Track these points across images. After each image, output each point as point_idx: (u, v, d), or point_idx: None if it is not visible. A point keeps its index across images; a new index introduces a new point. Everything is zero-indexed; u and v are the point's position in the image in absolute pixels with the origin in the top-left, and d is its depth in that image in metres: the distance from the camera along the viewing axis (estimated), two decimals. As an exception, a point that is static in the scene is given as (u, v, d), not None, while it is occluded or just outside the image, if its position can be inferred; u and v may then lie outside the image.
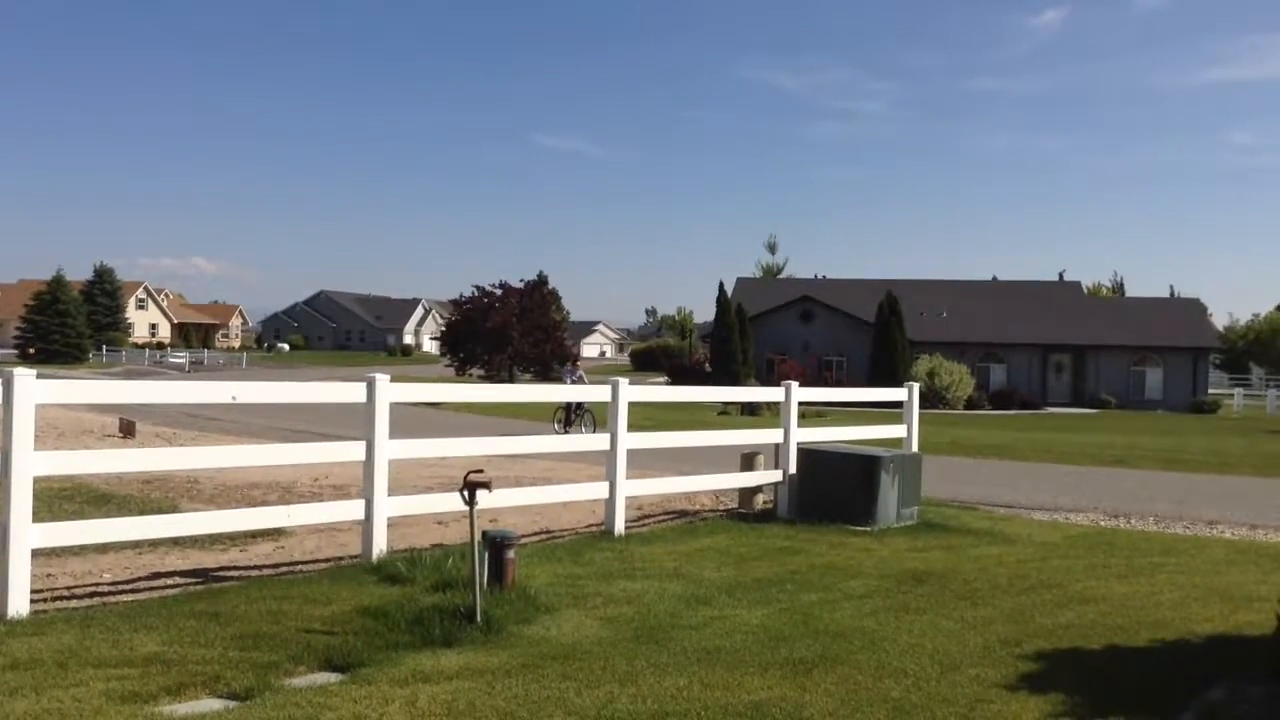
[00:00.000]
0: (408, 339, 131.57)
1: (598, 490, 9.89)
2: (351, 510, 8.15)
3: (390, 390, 8.12)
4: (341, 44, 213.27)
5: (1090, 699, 5.18)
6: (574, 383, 24.26)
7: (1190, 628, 6.81)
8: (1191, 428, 36.95)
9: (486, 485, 6.62)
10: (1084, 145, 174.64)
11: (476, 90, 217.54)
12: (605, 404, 9.99)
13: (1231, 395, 56.10)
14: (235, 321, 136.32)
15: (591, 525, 10.35)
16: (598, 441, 9.94)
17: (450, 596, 6.65)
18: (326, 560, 8.45)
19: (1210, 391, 53.63)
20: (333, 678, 5.35)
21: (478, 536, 6.57)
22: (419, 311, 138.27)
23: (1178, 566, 9.12)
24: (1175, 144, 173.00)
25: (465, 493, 6.58)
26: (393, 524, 8.49)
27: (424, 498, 8.97)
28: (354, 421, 8.11)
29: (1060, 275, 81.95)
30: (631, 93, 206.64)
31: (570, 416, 23.97)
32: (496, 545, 6.90)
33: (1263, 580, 8.19)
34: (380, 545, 8.03)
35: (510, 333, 56.76)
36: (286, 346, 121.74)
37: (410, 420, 22.13)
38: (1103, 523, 12.37)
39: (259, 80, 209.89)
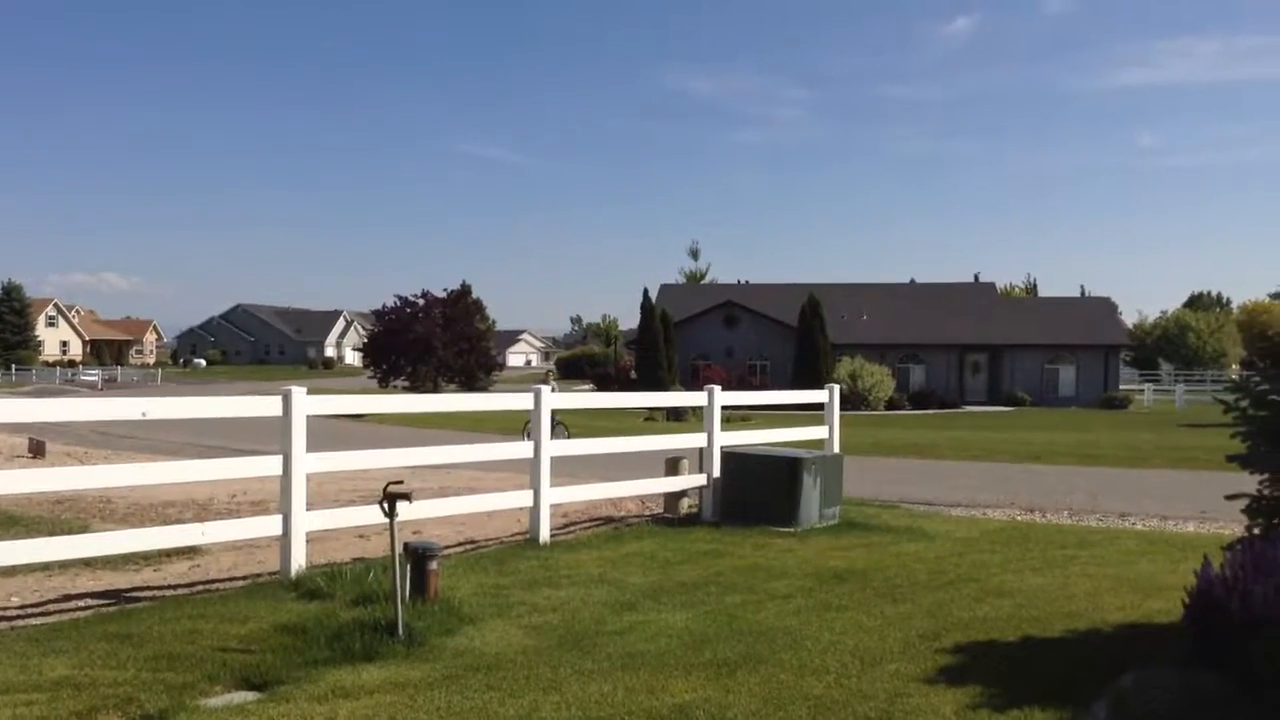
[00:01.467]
0: (329, 352, 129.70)
1: (522, 499, 9.85)
2: (268, 526, 8.01)
3: (307, 403, 7.99)
4: (254, 51, 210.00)
5: (1006, 690, 5.29)
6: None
7: (1102, 617, 7.00)
8: (1104, 423, 37.96)
9: (407, 496, 6.55)
10: (996, 149, 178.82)
11: (393, 97, 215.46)
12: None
13: (1142, 391, 57.71)
14: (150, 337, 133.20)
15: (517, 534, 10.30)
16: (522, 450, 9.90)
17: (371, 610, 6.56)
18: (244, 577, 8.29)
19: (1121, 388, 55.14)
20: (250, 696, 5.26)
21: (399, 549, 6.50)
22: (340, 323, 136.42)
23: (1091, 558, 9.36)
24: (1084, 147, 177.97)
25: (385, 505, 6.50)
26: (312, 539, 8.35)
27: (344, 511, 8.85)
28: (274, 436, 7.97)
29: (975, 277, 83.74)
30: (553, 100, 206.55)
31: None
32: (418, 557, 6.84)
33: (1172, 569, 8.44)
34: (299, 561, 7.90)
35: (434, 343, 56.27)
36: (203, 362, 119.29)
37: (332, 434, 21.80)
38: (1019, 517, 12.65)
39: (167, 91, 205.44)
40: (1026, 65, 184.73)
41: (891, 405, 48.97)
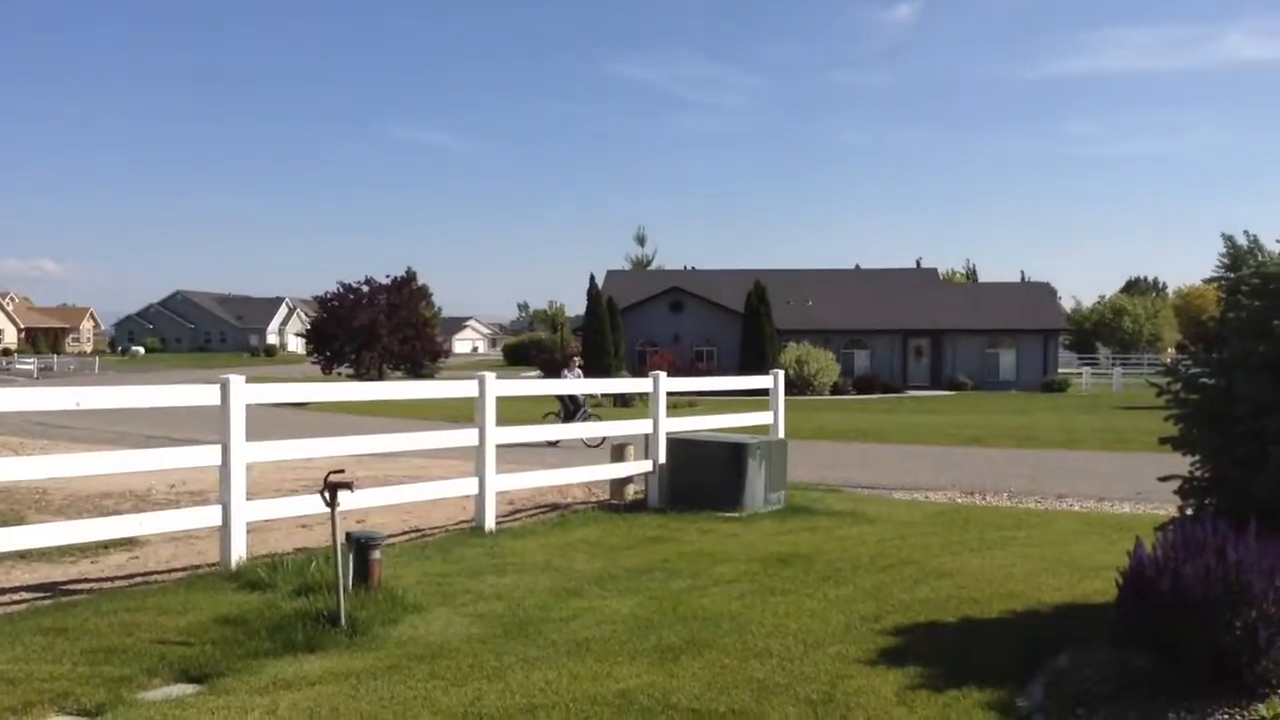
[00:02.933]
0: (271, 339, 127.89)
1: (467, 486, 9.81)
2: (208, 516, 7.90)
3: (246, 391, 7.88)
4: (189, 34, 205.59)
5: (945, 670, 5.37)
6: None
7: (1040, 598, 7.12)
8: (1043, 406, 38.61)
9: (348, 485, 6.49)
10: (937, 136, 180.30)
11: (334, 82, 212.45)
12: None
13: (1080, 374, 58.75)
14: (87, 325, 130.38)
15: (462, 522, 10.26)
16: (467, 437, 9.85)
17: (313, 601, 6.50)
18: (183, 569, 8.16)
19: (1060, 371, 56.01)
20: (189, 689, 5.19)
21: (341, 538, 6.44)
22: (283, 310, 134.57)
23: (1029, 539, 9.53)
24: (1021, 135, 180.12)
25: (326, 494, 6.44)
26: (253, 529, 8.25)
27: (285, 501, 8.75)
28: (215, 425, 7.86)
29: (917, 262, 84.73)
30: (497, 85, 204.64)
31: (569, 417, 21.57)
32: (361, 546, 6.78)
33: (1107, 550, 8.60)
34: (239, 551, 7.80)
35: (379, 330, 55.67)
36: (142, 350, 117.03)
37: (275, 422, 21.51)
38: (960, 500, 12.84)
39: (101, 74, 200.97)
40: (963, 53, 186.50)
41: (836, 390, 49.37)
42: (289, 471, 13.84)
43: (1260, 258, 6.29)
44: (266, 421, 21.87)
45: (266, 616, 6.28)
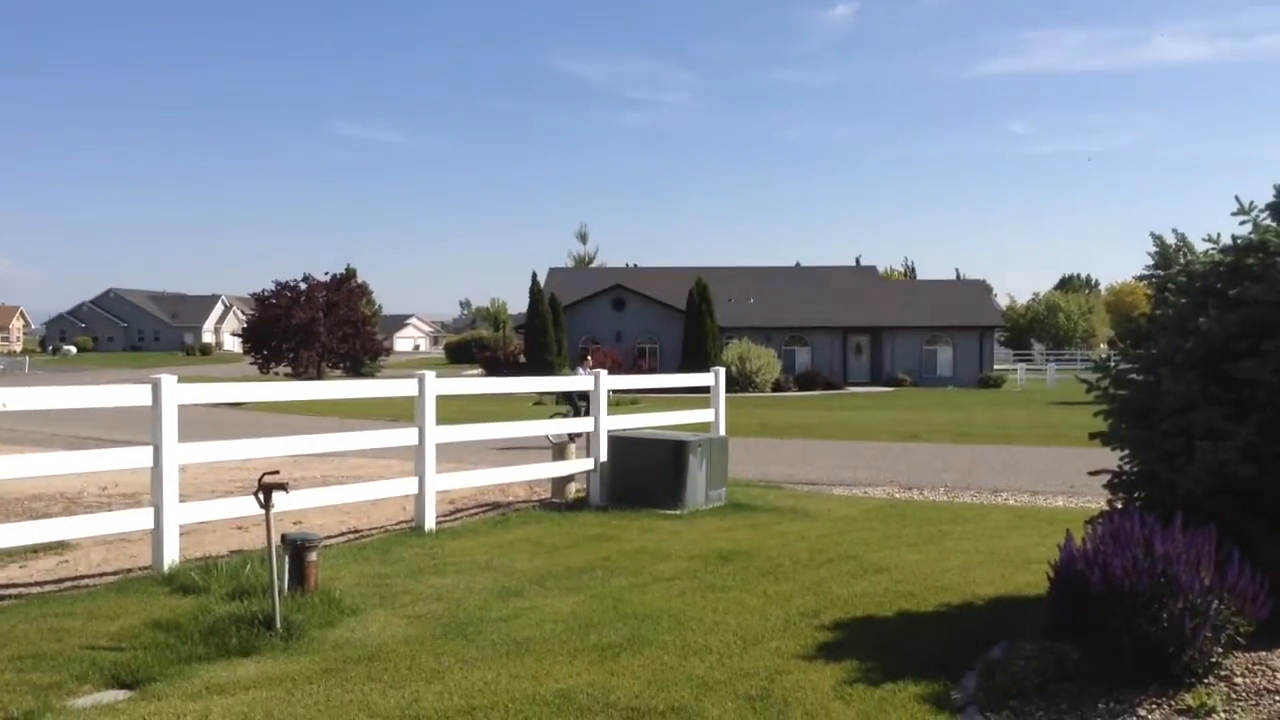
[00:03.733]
0: (207, 337, 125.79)
1: (407, 486, 9.73)
2: (139, 519, 7.75)
3: (178, 391, 7.74)
4: (125, 33, 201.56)
5: (882, 664, 5.43)
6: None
7: (974, 591, 7.23)
8: (979, 402, 39.20)
9: (283, 486, 6.41)
10: (876, 135, 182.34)
11: (275, 77, 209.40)
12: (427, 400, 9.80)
13: (1015, 370, 59.73)
14: (16, 324, 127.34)
15: (402, 522, 10.17)
16: (406, 436, 9.76)
17: (248, 604, 6.40)
18: (115, 573, 8.00)
19: (996, 367, 56.93)
20: (120, 695, 5.10)
21: (276, 540, 6.35)
22: (218, 308, 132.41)
23: (964, 533, 9.67)
24: (959, 133, 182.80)
25: (260, 495, 6.34)
26: (187, 532, 8.11)
27: (219, 503, 8.61)
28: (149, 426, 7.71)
29: (857, 260, 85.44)
30: (438, 81, 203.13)
31: (579, 415, 20.99)
32: (297, 548, 6.70)
33: (1040, 543, 8.76)
34: (172, 555, 7.66)
35: (317, 328, 55.02)
36: (74, 349, 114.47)
37: (211, 422, 21.15)
38: (897, 495, 12.99)
39: (30, 68, 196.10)
40: (903, 52, 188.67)
41: (778, 387, 49.69)
42: (225, 473, 13.62)
43: (1188, 257, 6.42)
44: (202, 422, 21.54)
45: (200, 620, 6.18)
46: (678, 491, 11.01)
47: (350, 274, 61.04)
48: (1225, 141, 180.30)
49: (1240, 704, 4.58)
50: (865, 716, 4.73)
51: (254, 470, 13.03)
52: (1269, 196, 6.36)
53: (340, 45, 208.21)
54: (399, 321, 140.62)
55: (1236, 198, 6.18)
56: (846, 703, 4.90)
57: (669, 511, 10.80)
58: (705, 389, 13.39)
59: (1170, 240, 6.52)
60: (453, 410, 23.24)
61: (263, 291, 57.39)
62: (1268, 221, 6.17)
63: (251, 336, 57.45)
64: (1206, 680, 4.77)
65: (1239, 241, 6.07)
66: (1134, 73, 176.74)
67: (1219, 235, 6.36)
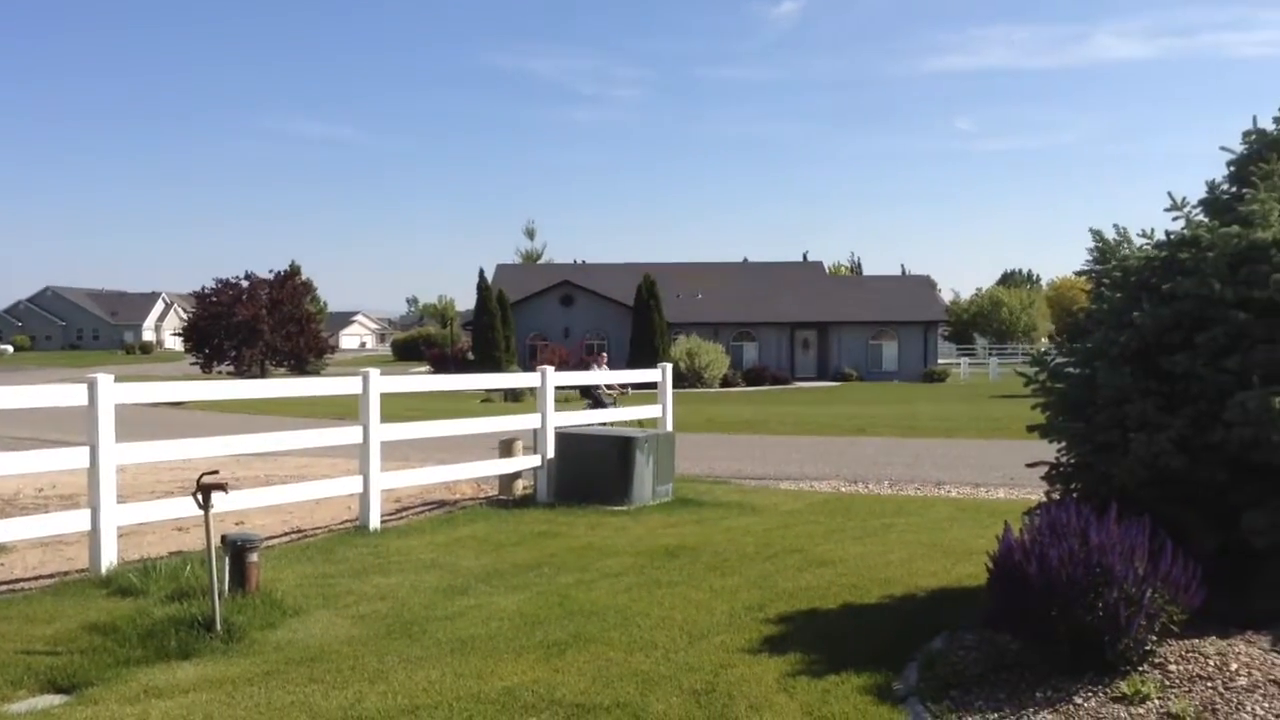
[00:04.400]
0: (148, 336, 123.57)
1: (351, 485, 9.64)
2: (76, 521, 7.61)
3: (115, 391, 7.60)
4: (70, 19, 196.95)
5: (826, 656, 5.48)
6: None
7: (917, 582, 7.32)
8: (923, 396, 39.66)
9: (222, 487, 6.32)
10: (823, 131, 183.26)
11: (218, 73, 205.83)
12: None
13: (959, 364, 60.58)
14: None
15: (346, 521, 10.08)
16: (350, 434, 9.67)
17: (187, 606, 6.31)
18: (51, 576, 7.84)
19: (940, 362, 57.68)
20: (56, 700, 5.01)
21: (216, 541, 6.27)
22: (159, 306, 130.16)
23: (907, 526, 9.79)
24: (905, 130, 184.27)
25: (199, 496, 6.25)
26: (125, 533, 7.97)
27: (158, 504, 8.47)
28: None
29: (804, 256, 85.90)
30: (389, 78, 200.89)
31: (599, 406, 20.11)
32: (238, 549, 6.61)
33: (981, 534, 8.88)
34: (110, 557, 7.53)
35: (260, 326, 54.37)
36: (9, 348, 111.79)
37: (153, 422, 20.83)
38: (843, 489, 13.11)
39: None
40: (849, 49, 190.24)
41: (726, 383, 49.89)
42: (165, 473, 13.40)
43: (1126, 251, 6.55)
44: (143, 422, 21.19)
45: (138, 623, 6.08)
46: (625, 487, 11.03)
47: (294, 271, 60.36)
48: (1164, 138, 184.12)
49: (1174, 691, 4.68)
50: (808, 709, 4.77)
51: (195, 470, 12.79)
52: (1203, 192, 6.51)
53: (284, 41, 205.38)
54: (345, 319, 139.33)
55: (1169, 194, 6.31)
56: (790, 695, 4.94)
57: (616, 507, 10.81)
58: (653, 385, 13.42)
59: (1110, 235, 6.64)
60: (400, 408, 23.06)
61: (204, 289, 56.62)
62: (1200, 217, 6.31)
63: (193, 335, 56.66)
64: (1141, 668, 4.86)
65: (1172, 237, 6.20)
66: (1077, 70, 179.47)
67: (1153, 231, 6.49)
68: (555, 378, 11.92)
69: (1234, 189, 6.34)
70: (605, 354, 26.55)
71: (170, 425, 19.91)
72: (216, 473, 6.40)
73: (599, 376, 16.91)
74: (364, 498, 9.61)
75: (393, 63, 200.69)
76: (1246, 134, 6.42)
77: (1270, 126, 6.38)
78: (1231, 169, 6.44)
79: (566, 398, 31.67)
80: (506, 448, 11.96)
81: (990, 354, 70.60)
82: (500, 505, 11.27)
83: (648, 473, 11.22)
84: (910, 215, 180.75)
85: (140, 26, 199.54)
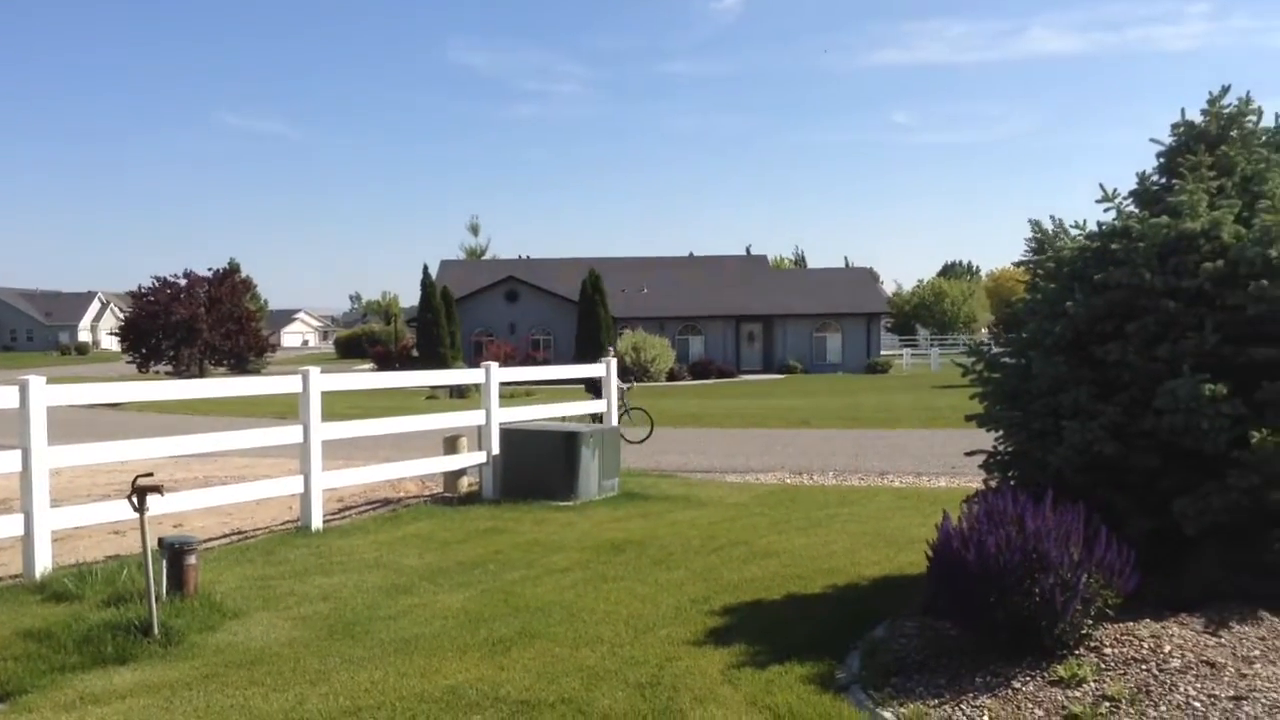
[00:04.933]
0: (84, 336, 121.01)
1: (292, 485, 9.52)
2: (8, 526, 7.43)
3: (48, 392, 7.45)
4: (4, 13, 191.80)
5: (770, 646, 5.52)
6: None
7: (860, 571, 7.40)
8: (867, 387, 40.03)
9: (158, 489, 6.21)
10: (764, 126, 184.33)
11: (156, 66, 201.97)
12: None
13: (901, 355, 61.19)
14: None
15: (288, 522, 9.95)
16: (290, 434, 9.55)
17: (124, 611, 6.20)
18: (-17, 583, 7.66)
19: (882, 353, 58.17)
20: (-12, 710, 4.89)
21: (152, 543, 6.16)
22: (95, 306, 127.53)
23: (851, 516, 9.88)
24: (845, 124, 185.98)
25: (134, 499, 6.14)
26: (60, 537, 7.81)
27: (94, 507, 8.30)
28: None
29: (748, 249, 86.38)
30: (327, 73, 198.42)
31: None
32: (175, 551, 6.50)
33: (923, 523, 8.99)
34: (44, 562, 7.37)
35: (199, 325, 53.51)
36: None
37: (89, 424, 20.42)
38: (788, 480, 13.20)
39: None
40: (791, 43, 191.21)
41: (672, 376, 50.00)
42: (102, 475, 13.15)
43: (1062, 242, 6.65)
44: (79, 424, 20.77)
45: (74, 629, 5.96)
46: (571, 483, 11.01)
47: (233, 268, 59.53)
48: (1098, 130, 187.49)
49: (1109, 673, 4.77)
50: (753, 699, 4.80)
51: (133, 472, 12.54)
52: (1134, 183, 6.64)
53: (224, 33, 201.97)
54: (286, 316, 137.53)
55: (1101, 185, 6.43)
56: (735, 686, 4.97)
57: (562, 503, 10.79)
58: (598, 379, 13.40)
59: (1048, 226, 6.74)
60: (344, 407, 22.84)
61: (141, 288, 55.62)
62: (1131, 208, 6.44)
63: (129, 334, 55.63)
64: (1077, 652, 4.95)
65: (1104, 228, 6.32)
66: (1011, 64, 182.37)
67: (1085, 222, 6.61)
68: (500, 374, 11.87)
69: (1163, 180, 6.47)
70: (613, 349, 26.29)
71: (107, 427, 19.53)
72: (151, 475, 6.29)
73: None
74: (305, 497, 9.49)
75: (331, 57, 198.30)
76: (1175, 126, 6.56)
77: (1198, 119, 6.51)
78: (1161, 160, 6.57)
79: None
80: (451, 445, 11.88)
81: (932, 345, 71.38)
82: (445, 503, 11.20)
83: (593, 468, 11.21)
84: (852, 208, 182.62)
85: (71, 21, 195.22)
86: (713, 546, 8.42)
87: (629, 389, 20.84)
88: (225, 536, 9.40)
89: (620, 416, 19.73)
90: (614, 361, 13.58)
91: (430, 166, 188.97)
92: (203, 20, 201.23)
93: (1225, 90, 6.43)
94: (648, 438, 18.39)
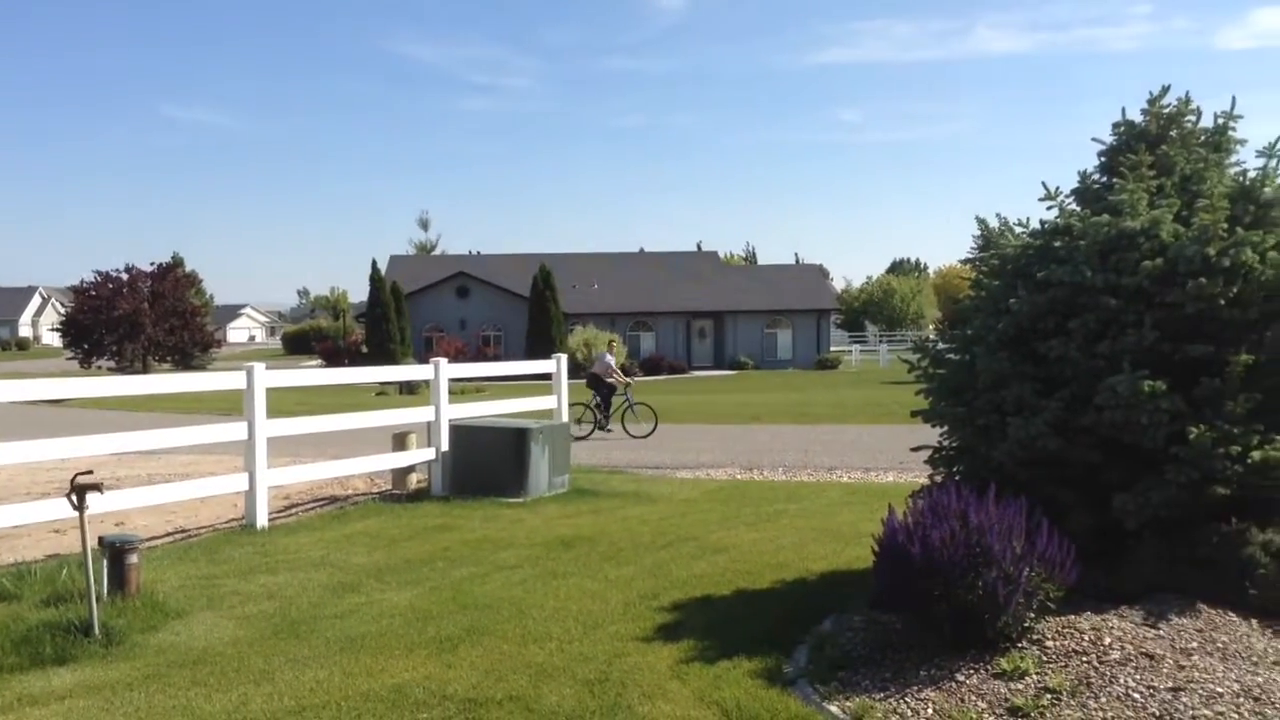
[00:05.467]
0: (24, 331, 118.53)
1: (237, 482, 9.40)
2: (-58, 526, 7.26)
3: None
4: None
5: (719, 642, 5.54)
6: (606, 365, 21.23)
7: (808, 566, 7.45)
8: (817, 383, 40.34)
9: (97, 487, 6.09)
10: (714, 123, 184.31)
11: (95, 57, 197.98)
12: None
13: (850, 351, 61.70)
14: None
15: (233, 520, 9.83)
16: (235, 431, 9.42)
17: (64, 611, 6.08)
18: (-84, 584, 7.48)
19: (832, 349, 58.67)
20: (-79, 714, 4.78)
21: (92, 542, 6.05)
22: (36, 300, 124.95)
23: (799, 511, 9.95)
24: (793, 122, 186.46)
25: (73, 497, 6.03)
26: (-3, 537, 7.63)
27: (34, 505, 8.13)
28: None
29: (699, 245, 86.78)
30: (271, 64, 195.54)
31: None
32: (117, 550, 6.40)
33: (870, 518, 9.01)
34: (-20, 562, 7.21)
35: (142, 320, 52.72)
36: None
37: (30, 421, 20.03)
38: (739, 476, 13.25)
39: None
40: (737, 42, 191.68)
41: (624, 372, 50.07)
42: (43, 473, 12.91)
43: (1006, 240, 6.74)
44: (21, 420, 20.35)
45: (11, 629, 5.84)
46: (521, 479, 10.97)
47: (177, 263, 58.79)
48: (1043, 129, 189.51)
49: (1051, 666, 4.85)
50: (701, 694, 4.81)
51: (75, 470, 12.34)
52: (1076, 182, 6.74)
53: (157, 23, 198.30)
54: (232, 312, 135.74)
55: (1044, 184, 6.52)
56: (683, 682, 4.98)
57: (512, 499, 10.76)
58: (550, 376, 13.36)
59: (994, 224, 6.82)
60: (291, 403, 22.59)
61: (83, 282, 54.67)
62: (1072, 206, 6.53)
63: (71, 330, 54.70)
64: (1020, 644, 5.03)
65: (1046, 226, 6.41)
66: (958, 63, 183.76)
67: (1028, 220, 6.70)
68: (449, 370, 11.79)
69: (1104, 179, 6.57)
70: (614, 344, 26.30)
71: (49, 424, 19.16)
72: (91, 472, 6.18)
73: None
74: (250, 495, 9.38)
75: (284, 49, 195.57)
76: (1116, 125, 6.67)
77: (1139, 119, 6.63)
78: (1102, 159, 6.68)
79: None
80: (400, 441, 11.80)
81: (881, 341, 72.03)
82: (394, 500, 11.12)
83: (543, 464, 11.18)
84: (802, 205, 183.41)
85: (5, 13, 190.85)
86: (663, 542, 8.44)
87: (631, 384, 21.00)
88: (168, 535, 9.26)
89: (624, 412, 20.11)
90: (564, 358, 13.54)
91: (379, 160, 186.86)
92: (143, 10, 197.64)
93: (1165, 90, 6.55)
94: (652, 433, 18.49)
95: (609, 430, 19.57)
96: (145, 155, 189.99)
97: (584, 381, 20.75)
